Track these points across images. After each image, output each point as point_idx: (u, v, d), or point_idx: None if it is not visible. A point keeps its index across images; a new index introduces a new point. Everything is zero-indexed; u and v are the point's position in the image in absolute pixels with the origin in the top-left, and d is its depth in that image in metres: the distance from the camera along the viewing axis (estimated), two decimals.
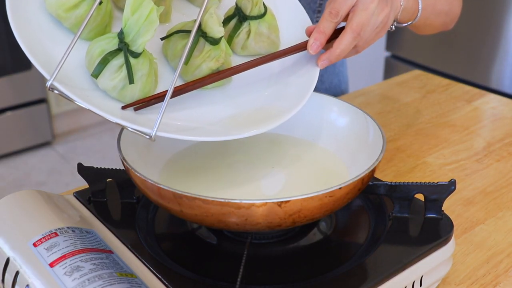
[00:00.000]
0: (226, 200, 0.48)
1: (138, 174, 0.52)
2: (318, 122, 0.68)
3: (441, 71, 1.86)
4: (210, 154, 0.66)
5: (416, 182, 0.58)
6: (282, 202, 0.48)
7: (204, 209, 0.49)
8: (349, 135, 0.65)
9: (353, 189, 0.52)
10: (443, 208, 0.59)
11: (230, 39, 0.67)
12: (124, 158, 0.55)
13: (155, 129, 0.51)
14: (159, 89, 0.60)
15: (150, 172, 0.59)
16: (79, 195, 0.64)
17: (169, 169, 0.63)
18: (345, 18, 0.64)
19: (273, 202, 0.48)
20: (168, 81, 0.60)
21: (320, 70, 0.64)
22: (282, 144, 0.68)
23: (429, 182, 0.58)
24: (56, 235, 0.53)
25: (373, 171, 0.54)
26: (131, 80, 0.55)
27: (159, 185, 0.50)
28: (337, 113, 0.67)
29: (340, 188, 0.50)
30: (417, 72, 1.17)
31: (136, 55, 0.55)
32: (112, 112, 0.53)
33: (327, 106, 0.68)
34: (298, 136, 0.69)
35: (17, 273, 0.51)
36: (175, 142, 0.65)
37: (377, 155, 0.56)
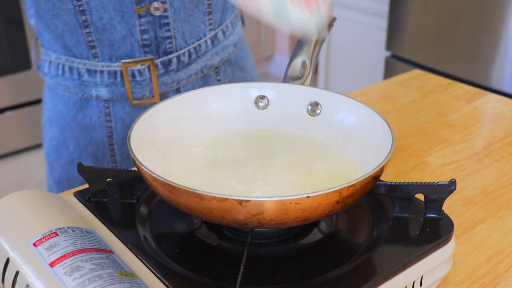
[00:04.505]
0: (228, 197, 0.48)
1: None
2: (328, 120, 0.68)
3: (441, 71, 1.86)
4: (220, 149, 0.67)
5: (416, 182, 0.58)
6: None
7: (201, 204, 0.49)
8: (359, 134, 0.65)
9: (360, 188, 0.52)
10: (443, 208, 0.59)
11: None
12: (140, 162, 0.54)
13: None
14: None
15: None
16: (79, 195, 0.64)
17: (182, 164, 0.64)
18: None
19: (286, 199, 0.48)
20: None
21: None
22: (295, 143, 0.68)
23: (429, 182, 0.58)
24: (56, 235, 0.53)
25: (381, 169, 0.53)
26: None
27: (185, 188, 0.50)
28: (346, 111, 0.67)
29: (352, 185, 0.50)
30: (417, 72, 1.17)
31: None
32: None
33: (337, 104, 0.68)
34: (309, 134, 0.69)
35: (17, 273, 0.51)
36: (187, 139, 0.66)
37: (385, 154, 0.55)
